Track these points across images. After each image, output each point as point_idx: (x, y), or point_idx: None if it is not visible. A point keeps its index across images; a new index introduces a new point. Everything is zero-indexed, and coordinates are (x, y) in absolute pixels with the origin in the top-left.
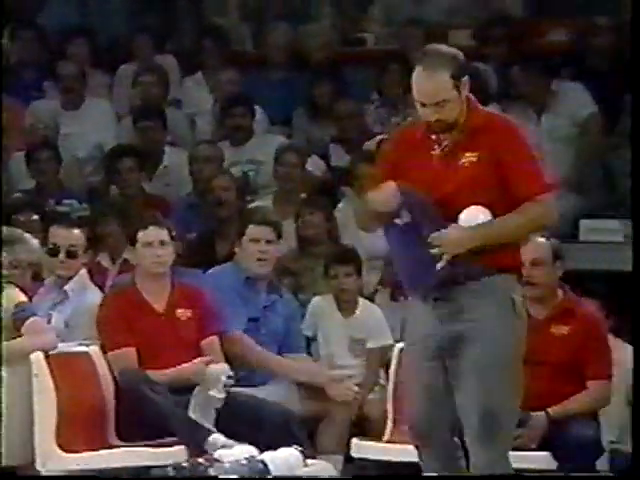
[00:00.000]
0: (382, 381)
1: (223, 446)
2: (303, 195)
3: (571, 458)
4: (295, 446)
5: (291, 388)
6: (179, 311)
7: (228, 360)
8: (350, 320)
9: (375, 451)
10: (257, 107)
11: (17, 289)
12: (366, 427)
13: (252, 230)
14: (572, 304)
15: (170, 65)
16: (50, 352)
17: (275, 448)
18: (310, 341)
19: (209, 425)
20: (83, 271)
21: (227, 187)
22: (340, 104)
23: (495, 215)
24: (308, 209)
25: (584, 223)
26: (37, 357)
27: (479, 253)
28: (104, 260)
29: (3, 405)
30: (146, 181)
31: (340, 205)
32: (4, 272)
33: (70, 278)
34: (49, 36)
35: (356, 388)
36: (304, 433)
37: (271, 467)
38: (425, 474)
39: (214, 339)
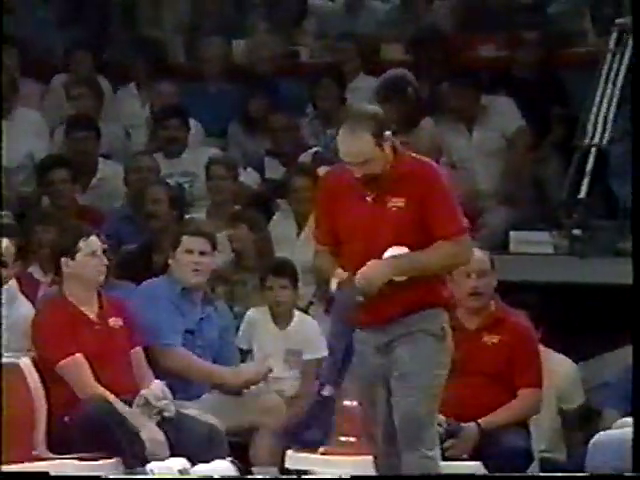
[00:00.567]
0: None
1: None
2: (238, 207)
3: (501, 467)
4: (229, 458)
5: (226, 400)
6: (111, 320)
7: (166, 372)
8: (286, 332)
9: (310, 463)
10: (192, 119)
11: None
12: None
13: (186, 241)
14: (503, 314)
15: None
16: None
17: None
18: (244, 354)
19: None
20: (12, 281)
21: (160, 199)
22: (275, 117)
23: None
24: (234, 222)
25: (514, 235)
26: None
27: (413, 290)
28: (36, 272)
29: None
30: (80, 193)
31: (275, 217)
32: None
33: None
34: None
35: (287, 394)
36: (226, 449)
37: None
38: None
39: (139, 350)
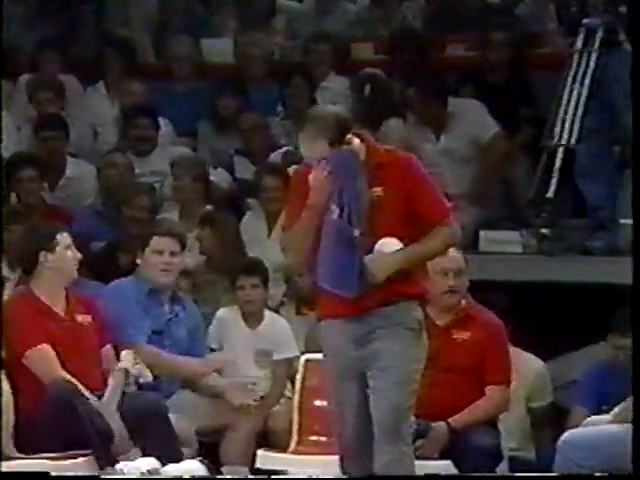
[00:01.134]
0: (288, 393)
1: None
2: (209, 207)
3: (471, 466)
4: (199, 458)
5: (197, 399)
6: (79, 317)
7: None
8: (256, 332)
9: (280, 462)
10: (161, 118)
11: None
12: (272, 439)
13: (157, 241)
14: (473, 311)
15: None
16: None
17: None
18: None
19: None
20: None
21: (144, 206)
22: (245, 116)
23: (402, 242)
24: (203, 223)
25: (484, 234)
26: None
27: (390, 282)
28: (3, 269)
29: None
30: (47, 192)
31: (245, 217)
32: None
33: None
34: None
35: (258, 394)
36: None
37: None
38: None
39: (109, 348)
